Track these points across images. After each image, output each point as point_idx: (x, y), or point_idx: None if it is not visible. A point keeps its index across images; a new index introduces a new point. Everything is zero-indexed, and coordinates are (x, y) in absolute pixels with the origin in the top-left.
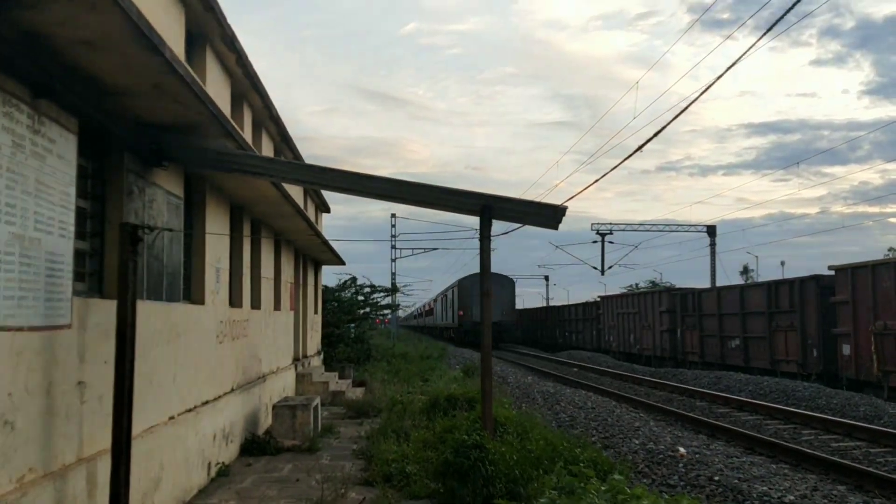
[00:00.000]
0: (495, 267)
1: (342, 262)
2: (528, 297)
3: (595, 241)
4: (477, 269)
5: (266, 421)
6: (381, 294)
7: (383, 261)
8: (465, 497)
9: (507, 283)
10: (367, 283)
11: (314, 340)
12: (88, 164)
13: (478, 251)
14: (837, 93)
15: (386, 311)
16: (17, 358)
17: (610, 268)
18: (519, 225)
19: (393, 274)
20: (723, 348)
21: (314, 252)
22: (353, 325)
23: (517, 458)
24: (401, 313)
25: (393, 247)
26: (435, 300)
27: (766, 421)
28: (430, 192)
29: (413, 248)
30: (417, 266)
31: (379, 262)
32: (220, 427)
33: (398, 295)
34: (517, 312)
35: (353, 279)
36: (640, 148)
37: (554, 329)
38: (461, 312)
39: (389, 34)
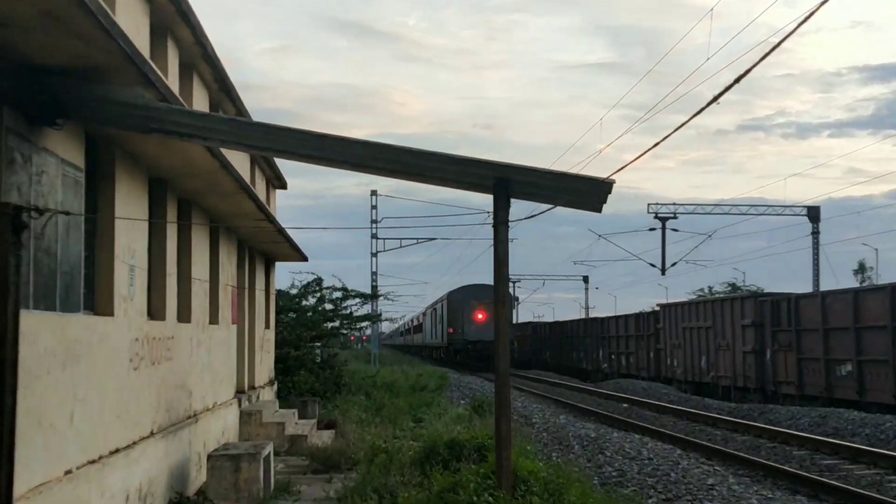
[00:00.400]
0: (517, 264)
1: (303, 258)
2: (561, 305)
3: (653, 229)
4: (469, 280)
5: (199, 476)
6: (358, 301)
7: (360, 255)
8: None
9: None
10: (338, 286)
11: (265, 366)
12: None
13: (490, 242)
14: None
15: (364, 325)
16: None
17: (673, 265)
18: (548, 206)
19: (374, 274)
20: (829, 376)
21: (265, 244)
22: (318, 344)
23: None
24: (384, 328)
25: (373, 236)
26: (424, 314)
27: (891, 477)
28: (425, 160)
29: (401, 239)
30: (407, 263)
31: (354, 258)
32: (136, 485)
33: (381, 302)
34: (518, 329)
35: (319, 281)
36: (715, 99)
37: (595, 349)
38: (451, 330)
39: None
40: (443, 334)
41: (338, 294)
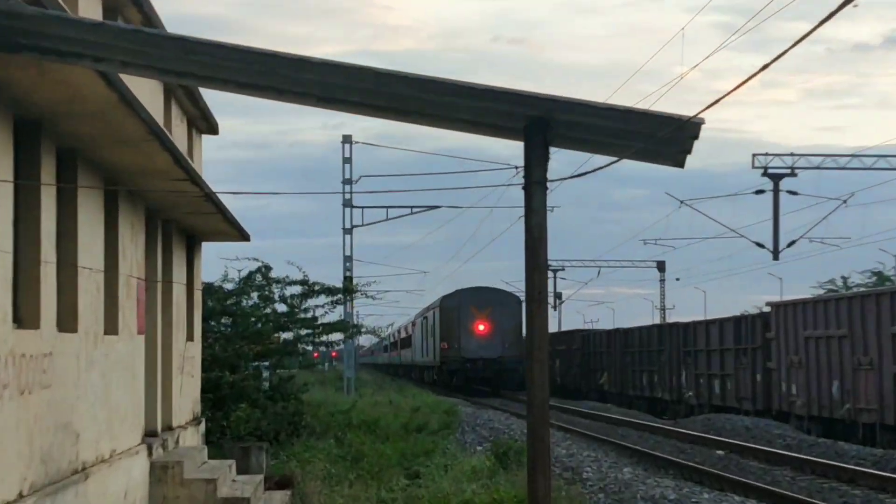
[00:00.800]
0: (559, 243)
1: (244, 237)
2: (625, 304)
3: (761, 192)
4: (486, 270)
5: None
6: (326, 302)
7: (328, 232)
8: None
9: (511, 303)
10: (297, 278)
11: (188, 396)
12: None
13: (519, 212)
14: None
15: (334, 338)
16: None
17: (791, 244)
18: (607, 160)
19: (347, 260)
20: None
21: (187, 216)
22: (265, 364)
23: None
24: (364, 340)
25: (347, 204)
26: (414, 323)
27: None
28: (425, 91)
29: (388, 208)
30: (398, 243)
31: (320, 235)
32: None
33: (361, 303)
34: (556, 341)
35: (266, 270)
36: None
37: (675, 369)
38: (444, 345)
39: None
40: (434, 351)
41: (295, 290)
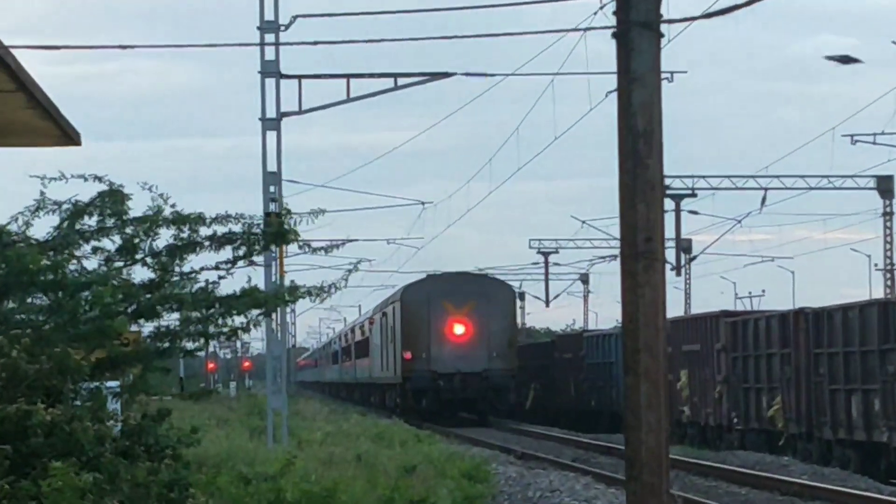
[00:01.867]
0: (681, 139)
1: (70, 138)
2: (819, 260)
3: None
4: (442, 266)
5: None
6: (229, 258)
7: (235, 128)
8: None
9: (498, 296)
10: (171, 212)
11: None
12: None
13: (604, 83)
14: None
15: (242, 324)
16: None
17: None
18: None
19: (271, 180)
20: None
21: None
22: (111, 385)
23: None
24: (303, 339)
25: (269, 70)
26: (372, 319)
27: None
28: None
29: (348, 77)
30: (367, 146)
31: (219, 134)
32: None
33: (295, 262)
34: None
35: (115, 199)
36: None
37: None
38: (407, 355)
39: None
40: (395, 363)
41: (171, 233)
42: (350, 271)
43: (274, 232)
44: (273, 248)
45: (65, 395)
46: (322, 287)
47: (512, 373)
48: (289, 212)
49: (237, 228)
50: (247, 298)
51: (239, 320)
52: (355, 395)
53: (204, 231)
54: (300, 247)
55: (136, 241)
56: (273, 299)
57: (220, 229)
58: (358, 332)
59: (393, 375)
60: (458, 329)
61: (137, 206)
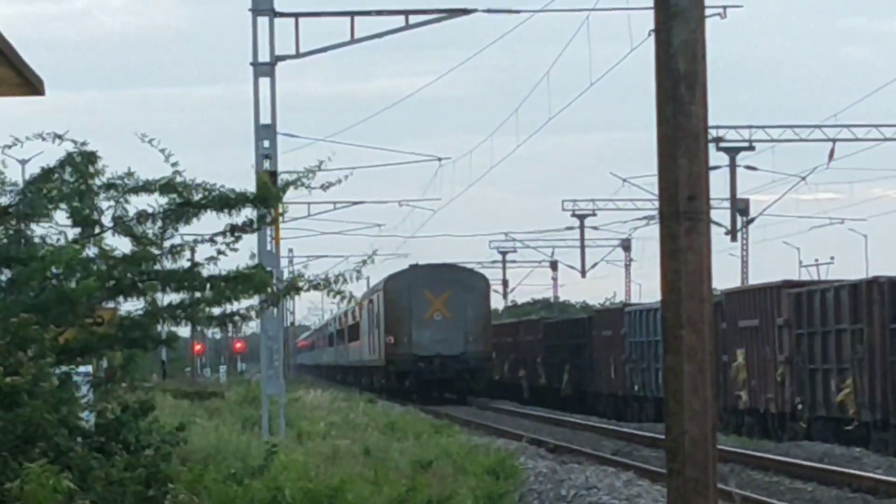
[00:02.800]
0: (730, 82)
1: (32, 86)
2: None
3: None
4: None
5: None
6: (224, 229)
7: (233, 77)
8: None
9: (473, 285)
10: (154, 177)
11: None
12: None
13: (643, 20)
14: None
15: (240, 311)
16: None
17: None
18: None
19: (264, 134)
20: None
21: None
22: (82, 371)
23: None
24: (302, 316)
25: (261, 7)
26: (362, 306)
27: None
28: None
29: (352, 14)
30: (374, 94)
31: (205, 82)
32: None
33: (292, 226)
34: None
35: (84, 160)
36: None
37: None
38: (390, 339)
39: None
40: (380, 347)
41: (154, 200)
42: (365, 262)
43: (267, 195)
44: (264, 217)
45: (24, 372)
46: (328, 279)
47: (487, 355)
48: (274, 174)
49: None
50: (243, 282)
51: (236, 306)
52: (349, 378)
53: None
54: (294, 187)
55: (107, 208)
56: (267, 280)
57: (196, 196)
58: (350, 317)
59: (378, 358)
60: (437, 315)
61: (137, 166)
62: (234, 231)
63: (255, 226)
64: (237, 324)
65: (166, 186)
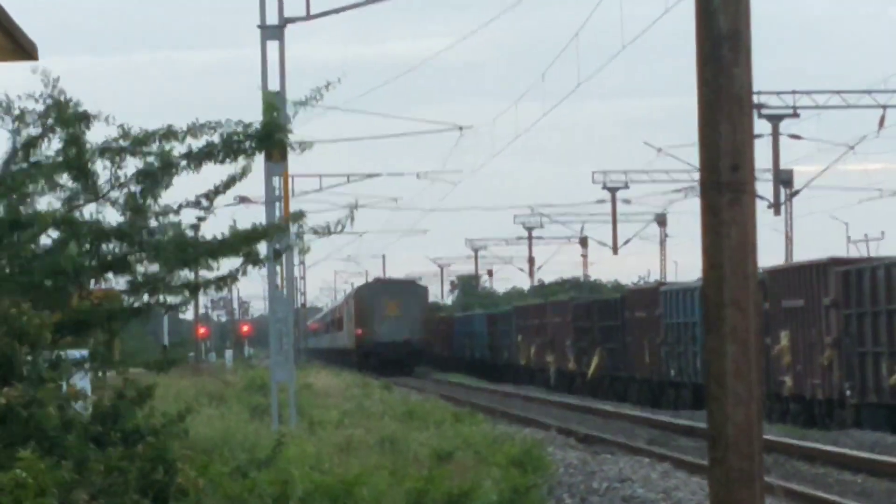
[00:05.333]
0: (777, 44)
1: (24, 50)
2: None
3: None
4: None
5: None
6: (218, 161)
7: (238, 41)
8: None
9: (416, 293)
10: (155, 127)
11: None
12: None
13: None
14: None
15: (235, 269)
16: None
17: None
18: None
19: (273, 103)
20: None
21: None
22: (80, 354)
23: None
24: (318, 294)
25: None
26: (344, 305)
27: None
28: None
29: None
30: (386, 57)
31: (222, 46)
32: None
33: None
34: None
35: (78, 117)
36: None
37: None
38: (359, 331)
39: None
40: (352, 336)
41: (153, 154)
42: (354, 208)
43: (268, 135)
44: (267, 152)
45: (19, 365)
46: (328, 226)
47: (425, 341)
48: (283, 130)
49: (216, 140)
50: (237, 238)
51: (230, 265)
52: (335, 359)
53: (178, 150)
54: (301, 150)
55: (103, 169)
56: (276, 228)
57: (196, 144)
58: (337, 312)
59: (352, 344)
60: (391, 314)
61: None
62: (220, 190)
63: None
64: (230, 284)
65: (167, 134)
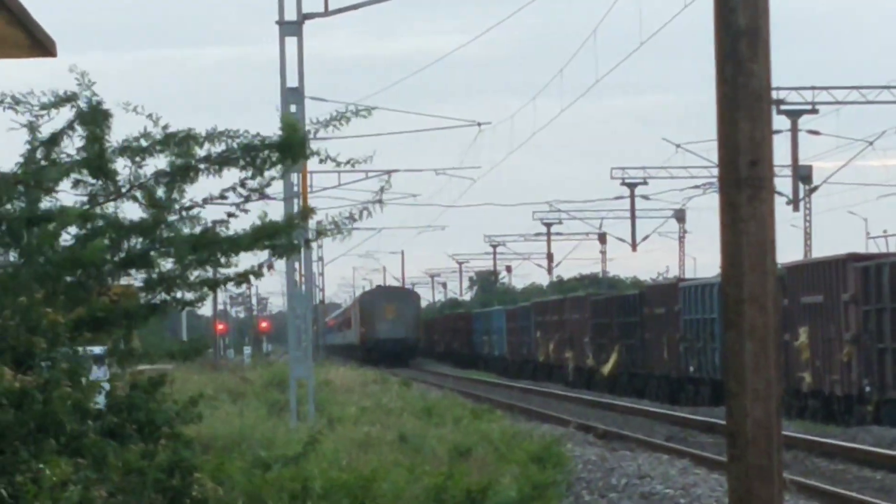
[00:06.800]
0: (794, 42)
1: (43, 47)
2: None
3: None
4: None
5: None
6: (243, 169)
7: (256, 37)
8: None
9: (411, 299)
10: (171, 129)
11: None
12: None
13: None
14: None
15: (254, 266)
16: None
17: None
18: None
19: (291, 98)
20: None
21: None
22: (97, 351)
23: None
24: (336, 291)
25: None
26: (353, 307)
27: None
28: None
29: None
30: (402, 53)
31: (239, 43)
32: None
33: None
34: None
35: (92, 115)
36: None
37: None
38: (363, 330)
39: None
40: (358, 333)
41: (173, 155)
42: (382, 188)
43: (291, 143)
44: (286, 166)
45: (37, 359)
46: (352, 215)
47: (417, 339)
48: (302, 135)
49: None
50: (253, 232)
51: (248, 262)
52: (346, 353)
53: (198, 153)
54: (321, 160)
55: (123, 167)
56: (291, 222)
57: (215, 149)
58: (348, 313)
59: (358, 341)
60: (389, 316)
61: (120, 133)
62: (246, 185)
63: (270, 170)
64: (252, 281)
65: (186, 139)
